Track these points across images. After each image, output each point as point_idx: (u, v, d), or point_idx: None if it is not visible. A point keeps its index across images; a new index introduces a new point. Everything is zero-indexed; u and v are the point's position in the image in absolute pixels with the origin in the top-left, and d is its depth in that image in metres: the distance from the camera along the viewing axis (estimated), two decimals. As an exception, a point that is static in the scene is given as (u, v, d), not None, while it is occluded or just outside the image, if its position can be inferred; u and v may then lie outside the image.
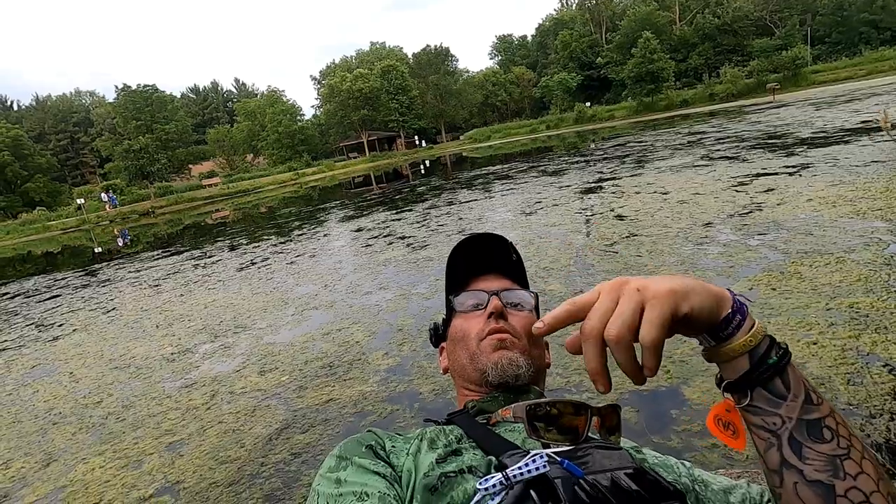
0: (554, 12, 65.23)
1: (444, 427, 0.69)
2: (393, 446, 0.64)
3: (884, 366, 2.13)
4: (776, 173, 6.65)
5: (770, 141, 10.21)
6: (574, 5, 57.28)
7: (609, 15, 53.35)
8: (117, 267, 9.87)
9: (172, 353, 4.08)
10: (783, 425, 0.44)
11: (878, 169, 5.79)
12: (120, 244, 16.00)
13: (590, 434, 0.60)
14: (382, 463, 0.60)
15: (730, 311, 0.45)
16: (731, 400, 0.48)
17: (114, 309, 6.11)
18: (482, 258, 0.86)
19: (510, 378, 0.73)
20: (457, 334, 0.81)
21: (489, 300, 0.78)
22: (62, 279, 9.58)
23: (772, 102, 23.70)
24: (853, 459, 0.42)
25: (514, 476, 0.50)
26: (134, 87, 46.07)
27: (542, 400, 0.62)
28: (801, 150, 8.27)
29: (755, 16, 45.25)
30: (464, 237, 0.85)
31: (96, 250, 15.15)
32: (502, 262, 0.86)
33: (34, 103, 64.35)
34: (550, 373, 2.62)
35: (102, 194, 33.06)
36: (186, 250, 10.51)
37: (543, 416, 0.60)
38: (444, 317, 0.89)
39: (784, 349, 0.45)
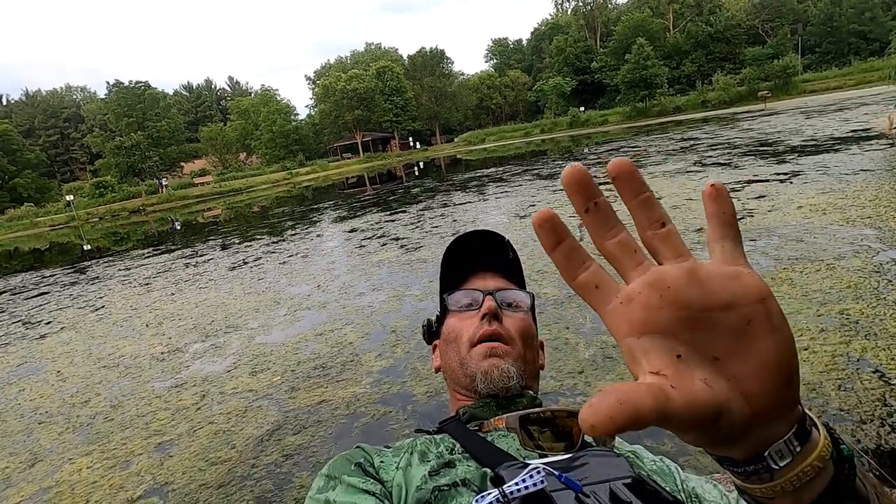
0: (549, 17, 65.58)
1: (435, 437, 0.67)
2: (381, 461, 0.62)
3: (874, 371, 2.16)
4: (767, 180, 6.71)
5: (762, 148, 10.32)
6: (569, 10, 57.58)
7: (603, 21, 53.73)
8: (107, 265, 9.76)
9: (162, 353, 4.03)
10: None
11: (868, 177, 5.87)
12: (177, 227, 17.07)
13: (585, 439, 0.60)
14: (372, 480, 0.58)
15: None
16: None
17: (103, 307, 6.03)
18: (478, 255, 0.84)
19: (500, 390, 0.70)
20: (449, 334, 0.79)
21: (483, 300, 0.76)
22: (50, 276, 9.45)
23: (763, 110, 23.97)
24: None
25: (511, 493, 0.48)
26: (126, 83, 45.73)
27: (536, 409, 0.61)
28: (791, 157, 8.36)
29: (747, 25, 45.83)
30: (459, 234, 0.83)
31: (85, 247, 14.97)
32: (499, 260, 0.85)
33: (24, 98, 63.56)
34: (544, 376, 2.61)
35: (162, 180, 39.15)
36: (177, 249, 10.41)
37: (537, 422, 0.59)
38: (438, 314, 0.87)
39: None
